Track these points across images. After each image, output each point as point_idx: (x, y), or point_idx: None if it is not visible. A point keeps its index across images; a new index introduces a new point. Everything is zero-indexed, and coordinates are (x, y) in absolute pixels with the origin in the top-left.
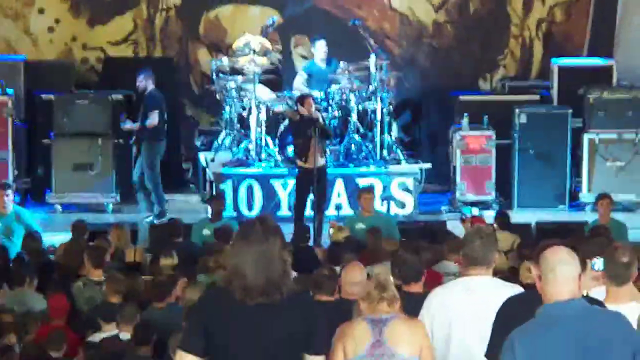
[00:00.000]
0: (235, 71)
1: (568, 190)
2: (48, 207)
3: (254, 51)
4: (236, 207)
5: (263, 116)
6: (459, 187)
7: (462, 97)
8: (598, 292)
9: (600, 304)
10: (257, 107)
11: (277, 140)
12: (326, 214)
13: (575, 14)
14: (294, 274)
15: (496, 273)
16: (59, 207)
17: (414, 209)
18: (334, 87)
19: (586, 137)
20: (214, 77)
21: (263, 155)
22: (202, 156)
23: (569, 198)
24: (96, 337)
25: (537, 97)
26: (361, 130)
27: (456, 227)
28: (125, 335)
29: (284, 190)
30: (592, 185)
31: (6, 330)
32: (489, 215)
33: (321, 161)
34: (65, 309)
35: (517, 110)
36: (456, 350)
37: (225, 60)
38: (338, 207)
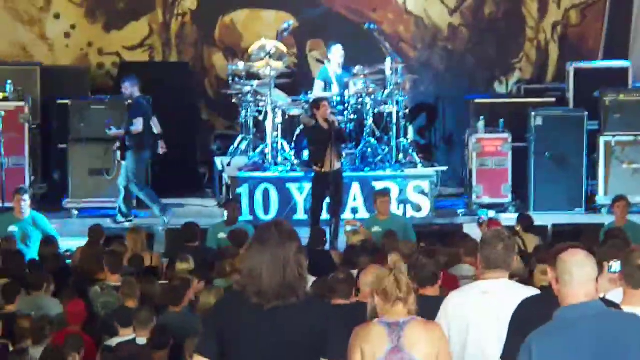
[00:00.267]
0: (250, 75)
1: (584, 192)
2: (64, 212)
3: (270, 55)
4: (252, 211)
5: (279, 120)
6: (474, 190)
7: (478, 100)
8: (615, 294)
9: (616, 306)
10: (273, 111)
11: (293, 144)
12: (342, 217)
13: (591, 17)
14: (310, 278)
15: (512, 276)
16: (75, 212)
17: (430, 212)
18: (350, 90)
19: (602, 140)
20: (230, 81)
21: (279, 159)
22: (219, 161)
23: (585, 201)
24: (113, 342)
25: (552, 99)
26: (377, 133)
27: (472, 230)
28: (142, 340)
29: (300, 194)
30: (609, 187)
31: (23, 335)
32: (507, 218)
33: (337, 165)
34: (83, 314)
35: (532, 113)
36: (473, 351)
37: (240, 64)
38: (354, 211)
